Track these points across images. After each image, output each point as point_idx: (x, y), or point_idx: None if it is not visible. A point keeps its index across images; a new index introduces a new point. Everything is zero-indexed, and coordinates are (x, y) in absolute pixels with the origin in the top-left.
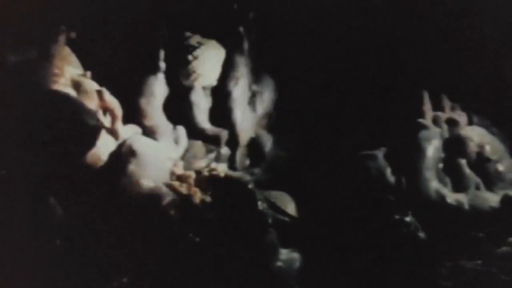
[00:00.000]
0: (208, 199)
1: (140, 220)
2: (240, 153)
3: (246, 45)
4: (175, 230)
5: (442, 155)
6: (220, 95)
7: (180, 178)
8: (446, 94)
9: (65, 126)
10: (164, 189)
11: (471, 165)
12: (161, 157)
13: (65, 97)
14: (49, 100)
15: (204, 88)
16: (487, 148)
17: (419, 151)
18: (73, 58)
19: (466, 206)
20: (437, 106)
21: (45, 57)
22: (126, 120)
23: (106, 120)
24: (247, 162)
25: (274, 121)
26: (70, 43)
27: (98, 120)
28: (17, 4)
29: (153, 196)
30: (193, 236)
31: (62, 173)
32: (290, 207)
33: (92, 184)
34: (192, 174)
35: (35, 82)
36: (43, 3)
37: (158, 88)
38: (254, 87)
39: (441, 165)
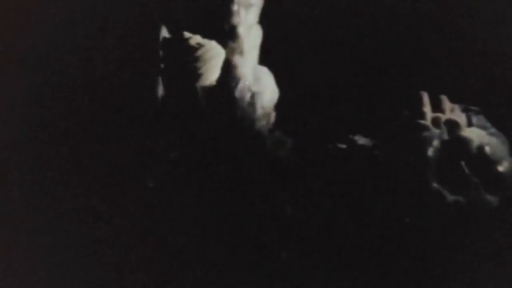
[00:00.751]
0: None
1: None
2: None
3: (246, 46)
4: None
5: (442, 156)
6: (220, 95)
7: None
8: (446, 95)
9: None
10: None
11: (470, 166)
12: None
13: None
14: None
15: (204, 88)
16: (487, 149)
17: (420, 153)
18: None
19: (466, 207)
20: (437, 107)
21: None
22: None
23: None
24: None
25: (274, 121)
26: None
27: None
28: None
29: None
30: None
31: None
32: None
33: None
34: None
35: None
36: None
37: (159, 89)
38: (255, 88)
39: (441, 167)
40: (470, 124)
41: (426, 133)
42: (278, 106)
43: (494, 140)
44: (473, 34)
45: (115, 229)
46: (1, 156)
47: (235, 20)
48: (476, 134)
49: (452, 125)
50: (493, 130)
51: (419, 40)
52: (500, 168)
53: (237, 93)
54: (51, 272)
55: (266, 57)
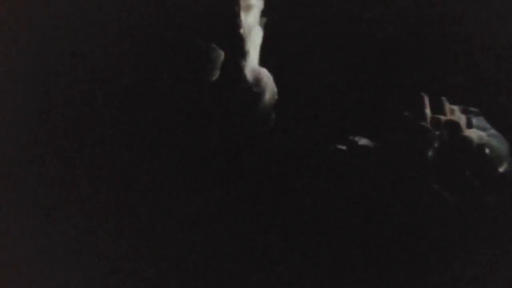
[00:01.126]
0: None
1: None
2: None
3: (246, 47)
4: None
5: (442, 157)
6: (220, 96)
7: None
8: (446, 96)
9: None
10: None
11: (471, 167)
12: None
13: None
14: None
15: (204, 89)
16: (487, 150)
17: (420, 154)
18: None
19: (466, 208)
20: (437, 108)
21: None
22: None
23: None
24: None
25: (273, 122)
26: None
27: None
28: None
29: None
30: None
31: None
32: None
33: None
34: None
35: None
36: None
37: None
38: (255, 89)
39: (441, 168)
40: (470, 125)
41: (426, 135)
42: (278, 107)
43: (494, 141)
44: (473, 34)
45: (115, 229)
46: (1, 156)
47: (236, 21)
48: (476, 135)
49: (452, 127)
50: (493, 131)
51: (420, 41)
52: (500, 169)
53: (237, 94)
54: (49, 272)
55: (266, 58)
